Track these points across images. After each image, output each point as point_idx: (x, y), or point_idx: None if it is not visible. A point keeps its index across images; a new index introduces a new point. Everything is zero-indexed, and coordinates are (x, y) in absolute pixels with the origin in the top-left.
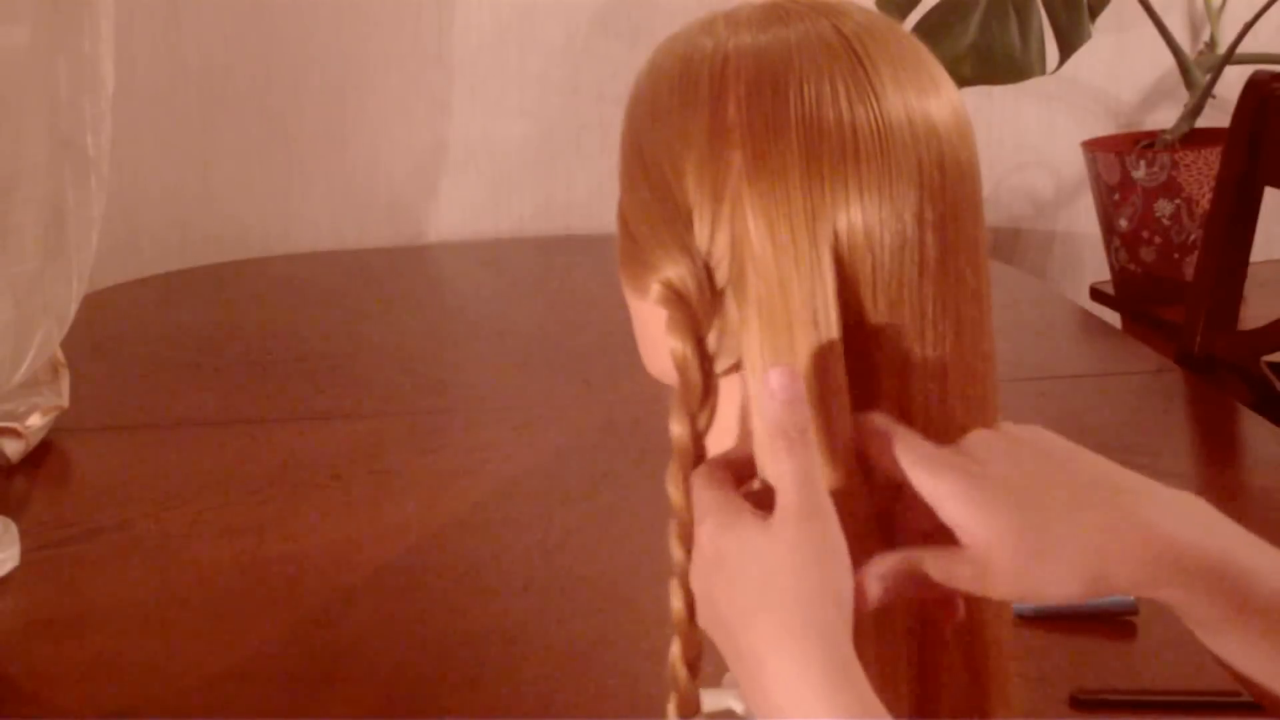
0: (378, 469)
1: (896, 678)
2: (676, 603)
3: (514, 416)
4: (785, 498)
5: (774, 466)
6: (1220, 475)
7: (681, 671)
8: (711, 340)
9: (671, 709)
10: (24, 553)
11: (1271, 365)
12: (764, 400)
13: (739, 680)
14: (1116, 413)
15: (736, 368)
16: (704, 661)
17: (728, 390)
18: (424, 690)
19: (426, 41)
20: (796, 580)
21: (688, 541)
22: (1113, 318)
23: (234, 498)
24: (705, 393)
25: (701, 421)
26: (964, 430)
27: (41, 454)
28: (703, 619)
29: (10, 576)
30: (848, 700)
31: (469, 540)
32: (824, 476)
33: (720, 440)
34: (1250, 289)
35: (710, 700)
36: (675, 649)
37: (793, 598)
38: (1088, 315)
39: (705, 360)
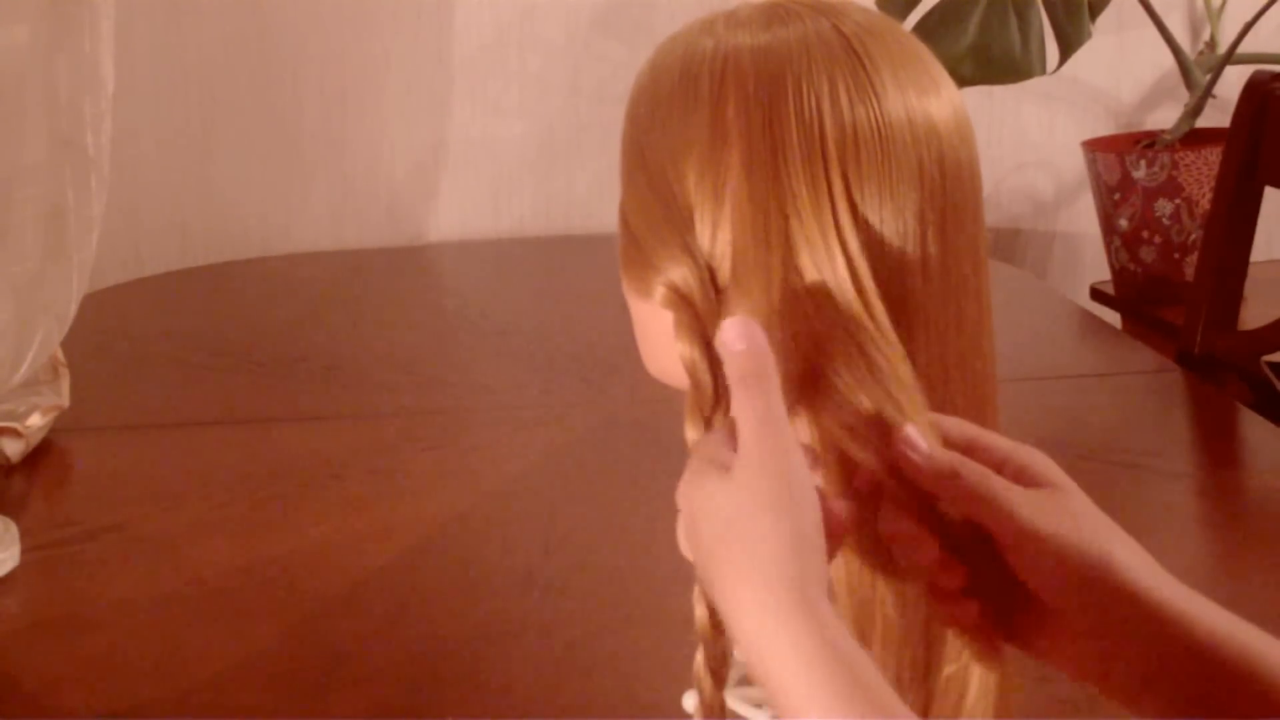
0: (378, 469)
1: (901, 679)
2: (700, 610)
3: (514, 416)
4: (744, 443)
5: (736, 412)
6: (1220, 475)
7: (706, 679)
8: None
9: (696, 715)
10: (24, 553)
11: (1271, 365)
12: (723, 353)
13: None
14: (1116, 413)
15: None
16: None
17: None
18: (424, 690)
19: (426, 41)
20: (750, 525)
21: None
22: (1113, 318)
23: (234, 498)
24: (717, 395)
25: (716, 424)
26: None
27: (41, 454)
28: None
29: (10, 576)
30: (805, 632)
31: (469, 539)
32: (785, 417)
33: None
34: (1250, 289)
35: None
36: (699, 657)
37: (748, 541)
38: (1088, 315)
39: (715, 362)
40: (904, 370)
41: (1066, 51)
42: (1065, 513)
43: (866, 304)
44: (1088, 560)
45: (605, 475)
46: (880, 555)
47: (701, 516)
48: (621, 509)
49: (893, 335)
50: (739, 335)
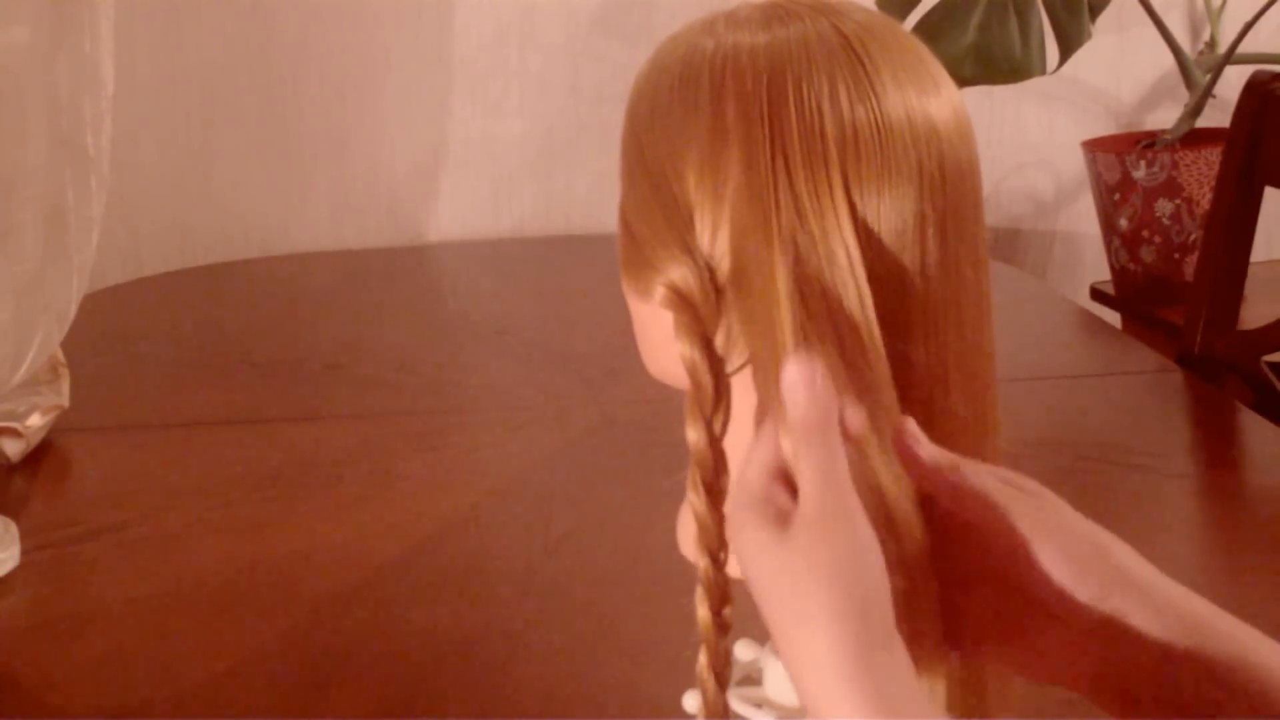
0: (378, 469)
1: None
2: (702, 611)
3: (514, 416)
4: (805, 499)
5: (796, 464)
6: (1220, 475)
7: (709, 680)
8: (720, 340)
9: (699, 716)
10: (24, 553)
11: (1271, 365)
12: (785, 395)
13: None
14: (1116, 413)
15: (748, 366)
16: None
17: (741, 389)
18: (424, 690)
19: (426, 41)
20: (811, 594)
21: (710, 549)
22: (1113, 318)
23: (234, 498)
24: (718, 395)
25: (717, 425)
26: (966, 430)
27: (41, 454)
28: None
29: (10, 576)
30: (871, 708)
31: (469, 540)
32: (847, 471)
33: (737, 441)
34: (1250, 289)
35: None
36: (703, 658)
37: (810, 610)
38: (1088, 315)
39: (715, 362)
40: (883, 382)
41: (1066, 51)
42: (1060, 512)
43: (863, 309)
44: (1087, 554)
45: (605, 475)
46: None
47: (759, 571)
48: (621, 509)
49: (880, 345)
50: (803, 381)
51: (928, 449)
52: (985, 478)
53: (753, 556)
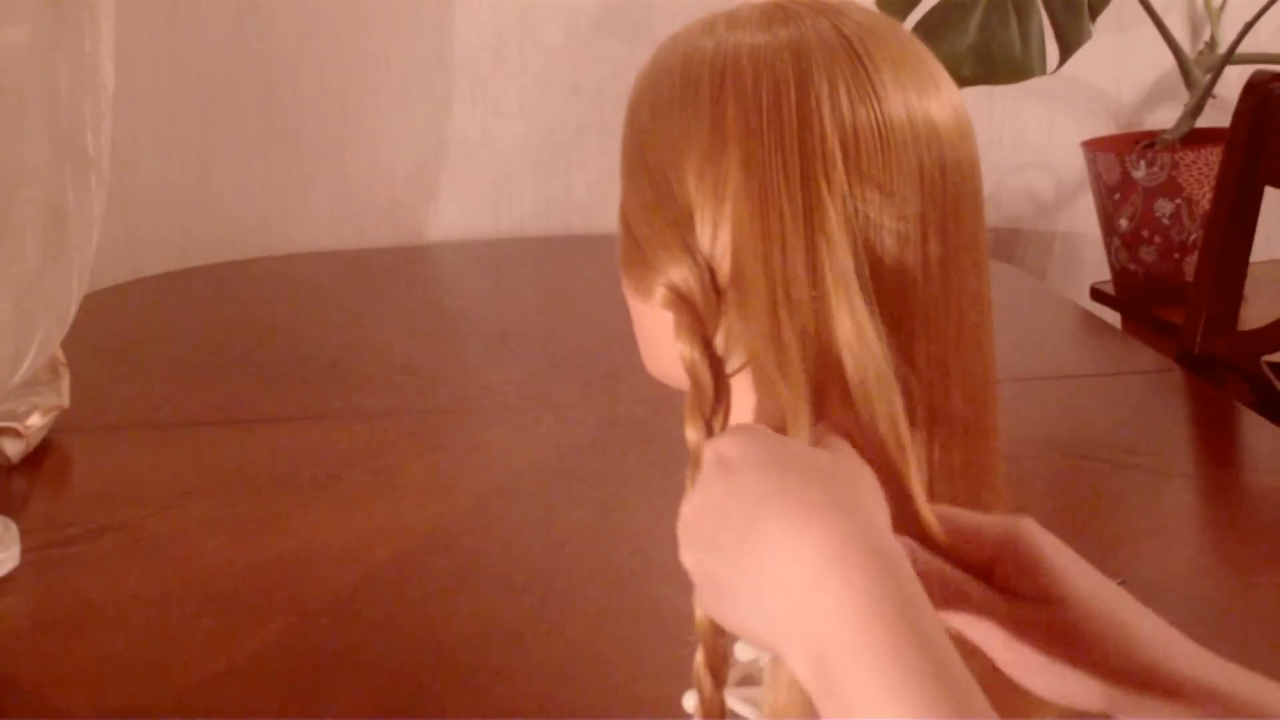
0: (378, 469)
1: None
2: (700, 611)
3: (514, 416)
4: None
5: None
6: (1220, 475)
7: (706, 679)
8: (720, 341)
9: (696, 715)
10: (24, 553)
11: (1271, 365)
12: None
13: (737, 603)
14: (1116, 413)
15: (747, 366)
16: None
17: (741, 389)
18: (424, 690)
19: (426, 41)
20: (835, 467)
21: None
22: (1113, 318)
23: (234, 498)
24: (718, 395)
25: (717, 425)
26: (966, 430)
27: (41, 454)
28: (692, 540)
29: (10, 576)
30: (890, 582)
31: (469, 540)
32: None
33: None
34: (1250, 289)
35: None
36: (699, 656)
37: (832, 479)
38: (1088, 315)
39: (715, 362)
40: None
41: (1066, 51)
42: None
43: (862, 310)
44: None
45: (605, 475)
46: None
47: (760, 460)
48: (621, 509)
49: (880, 346)
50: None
51: (927, 509)
52: (992, 517)
53: (752, 445)
